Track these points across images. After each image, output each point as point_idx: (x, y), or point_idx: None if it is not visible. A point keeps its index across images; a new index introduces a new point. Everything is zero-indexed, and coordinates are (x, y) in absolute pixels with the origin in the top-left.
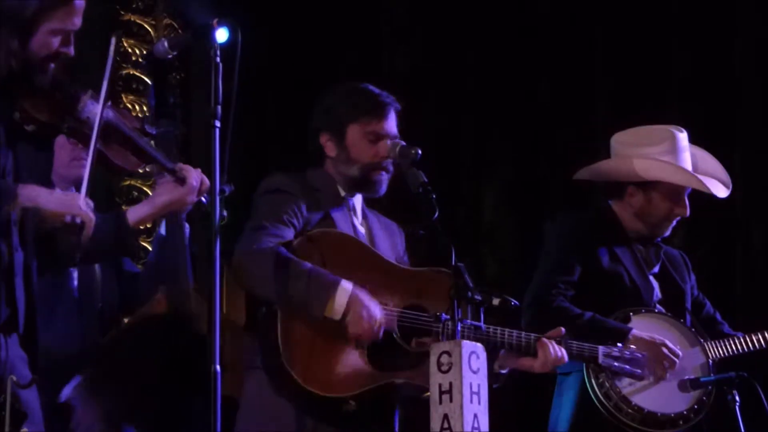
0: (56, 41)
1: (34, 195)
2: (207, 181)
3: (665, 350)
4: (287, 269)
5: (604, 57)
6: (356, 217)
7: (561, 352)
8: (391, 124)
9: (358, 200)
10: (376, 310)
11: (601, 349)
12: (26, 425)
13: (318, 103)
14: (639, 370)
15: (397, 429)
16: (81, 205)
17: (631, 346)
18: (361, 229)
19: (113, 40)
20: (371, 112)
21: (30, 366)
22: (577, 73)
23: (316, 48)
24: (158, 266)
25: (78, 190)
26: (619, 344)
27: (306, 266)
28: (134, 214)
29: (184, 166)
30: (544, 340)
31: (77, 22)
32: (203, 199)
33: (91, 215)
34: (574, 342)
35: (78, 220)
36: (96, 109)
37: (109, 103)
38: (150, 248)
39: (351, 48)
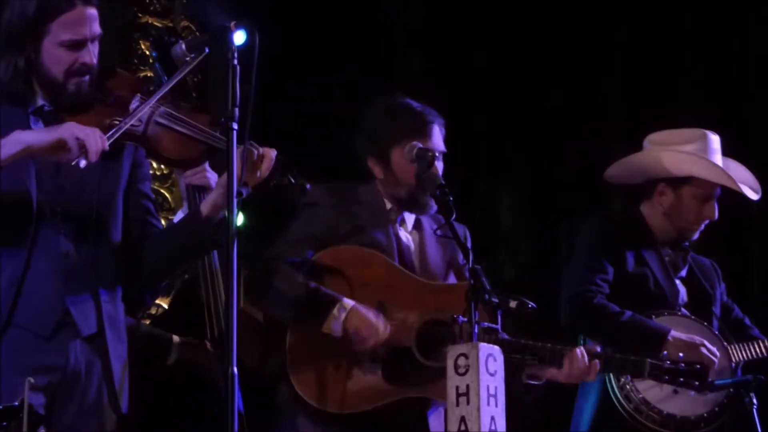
0: (68, 54)
1: (16, 137)
2: (272, 156)
3: (704, 350)
4: (290, 285)
5: (619, 59)
6: (404, 227)
7: (589, 365)
8: (437, 140)
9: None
10: (375, 320)
11: (649, 361)
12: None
13: (362, 124)
14: (696, 382)
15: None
16: (71, 126)
17: (680, 354)
18: (406, 239)
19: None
20: (414, 133)
21: (103, 368)
22: (592, 75)
23: (331, 50)
24: None
25: None
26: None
27: (309, 285)
28: (205, 204)
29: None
30: (576, 350)
31: (86, 31)
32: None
33: (89, 132)
34: (617, 354)
35: (74, 144)
36: (146, 108)
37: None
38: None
39: (366, 50)
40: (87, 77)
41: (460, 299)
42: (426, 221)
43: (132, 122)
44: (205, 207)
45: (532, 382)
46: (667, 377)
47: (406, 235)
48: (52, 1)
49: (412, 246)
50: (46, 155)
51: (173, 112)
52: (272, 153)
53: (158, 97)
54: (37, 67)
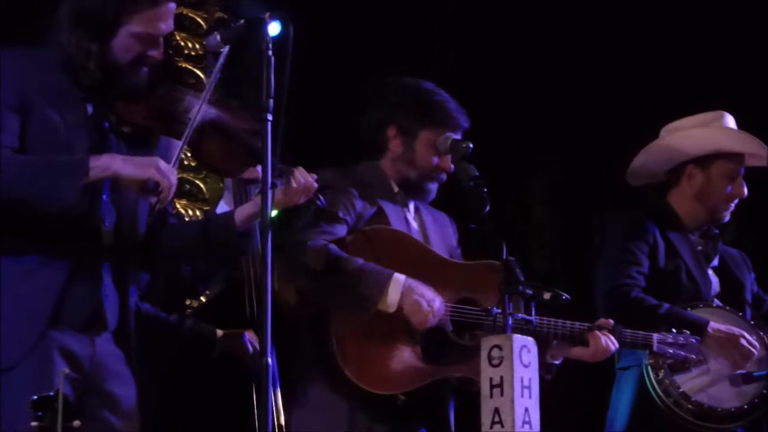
0: (139, 45)
1: (108, 163)
2: (312, 183)
3: (743, 341)
4: (338, 266)
5: (650, 53)
6: (409, 211)
7: (612, 342)
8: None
9: None
10: (431, 294)
11: (655, 336)
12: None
13: (387, 94)
14: (693, 355)
15: (452, 423)
16: (160, 166)
17: (685, 331)
18: (414, 224)
19: (226, 49)
20: (448, 125)
21: (127, 361)
22: (624, 70)
23: (363, 42)
24: None
25: None
26: (673, 330)
27: (358, 262)
28: (240, 213)
29: (297, 169)
30: (596, 331)
31: (163, 26)
32: (317, 200)
33: (171, 178)
34: (628, 331)
35: (151, 184)
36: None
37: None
38: None
39: (399, 42)
40: (146, 69)
41: (488, 277)
42: (422, 208)
43: (190, 133)
44: (239, 216)
45: (554, 362)
46: (671, 350)
47: (412, 220)
48: None
49: (417, 229)
50: (127, 186)
51: (223, 118)
52: (313, 184)
53: (207, 97)
54: (105, 51)
